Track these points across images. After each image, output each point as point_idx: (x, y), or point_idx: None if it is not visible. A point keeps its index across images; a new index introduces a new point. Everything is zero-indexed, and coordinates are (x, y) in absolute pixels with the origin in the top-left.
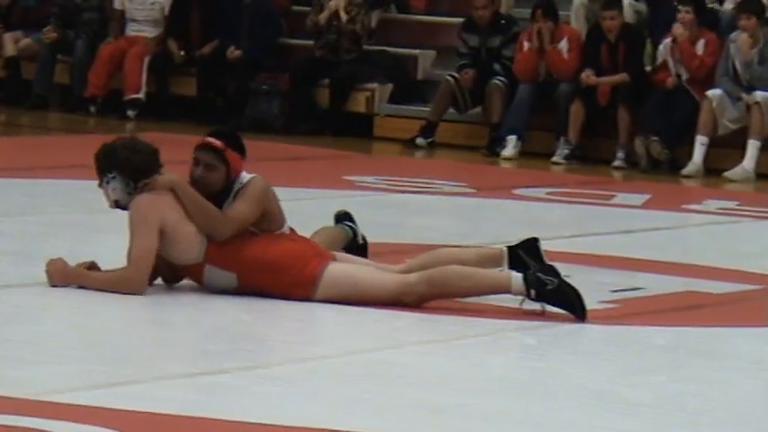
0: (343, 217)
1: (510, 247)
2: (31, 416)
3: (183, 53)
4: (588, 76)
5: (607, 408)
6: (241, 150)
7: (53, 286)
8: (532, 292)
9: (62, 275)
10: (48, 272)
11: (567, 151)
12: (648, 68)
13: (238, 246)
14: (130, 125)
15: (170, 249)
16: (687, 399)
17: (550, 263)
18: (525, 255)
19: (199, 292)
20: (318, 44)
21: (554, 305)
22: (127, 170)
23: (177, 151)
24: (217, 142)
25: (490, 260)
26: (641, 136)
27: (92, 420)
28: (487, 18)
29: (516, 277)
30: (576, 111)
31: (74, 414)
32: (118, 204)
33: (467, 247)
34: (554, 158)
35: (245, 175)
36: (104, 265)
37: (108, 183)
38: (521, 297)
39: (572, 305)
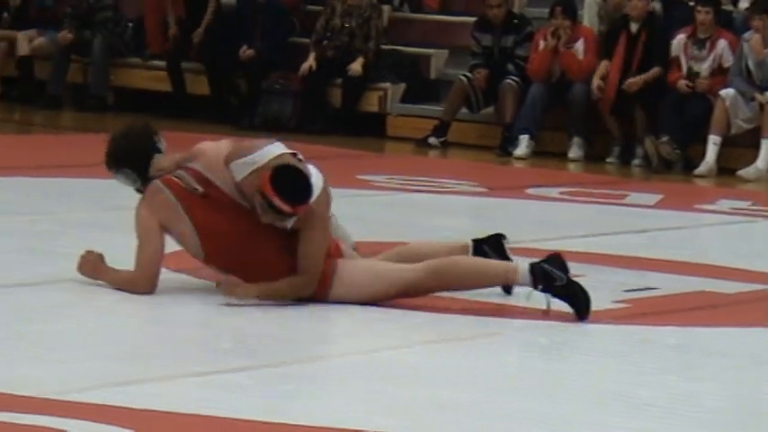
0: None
1: (475, 240)
2: (45, 414)
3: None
4: (601, 87)
5: (619, 407)
6: (307, 198)
7: (80, 273)
8: (540, 284)
9: (92, 267)
10: (81, 258)
11: (581, 152)
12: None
13: (240, 252)
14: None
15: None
16: (700, 399)
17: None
18: (490, 250)
19: (211, 291)
20: (330, 45)
21: (561, 300)
22: (123, 160)
23: None
24: (286, 208)
25: (458, 253)
26: (651, 136)
27: (105, 419)
28: (501, 17)
29: (523, 268)
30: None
31: (87, 413)
32: (140, 191)
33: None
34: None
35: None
36: (114, 263)
37: (117, 180)
38: (528, 288)
39: (578, 303)
